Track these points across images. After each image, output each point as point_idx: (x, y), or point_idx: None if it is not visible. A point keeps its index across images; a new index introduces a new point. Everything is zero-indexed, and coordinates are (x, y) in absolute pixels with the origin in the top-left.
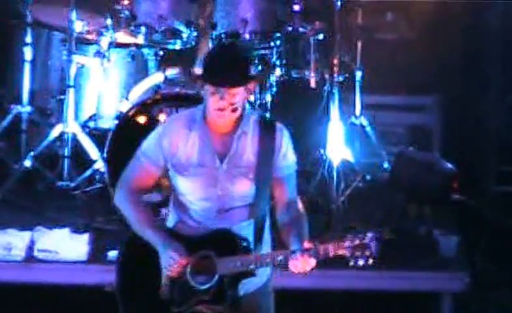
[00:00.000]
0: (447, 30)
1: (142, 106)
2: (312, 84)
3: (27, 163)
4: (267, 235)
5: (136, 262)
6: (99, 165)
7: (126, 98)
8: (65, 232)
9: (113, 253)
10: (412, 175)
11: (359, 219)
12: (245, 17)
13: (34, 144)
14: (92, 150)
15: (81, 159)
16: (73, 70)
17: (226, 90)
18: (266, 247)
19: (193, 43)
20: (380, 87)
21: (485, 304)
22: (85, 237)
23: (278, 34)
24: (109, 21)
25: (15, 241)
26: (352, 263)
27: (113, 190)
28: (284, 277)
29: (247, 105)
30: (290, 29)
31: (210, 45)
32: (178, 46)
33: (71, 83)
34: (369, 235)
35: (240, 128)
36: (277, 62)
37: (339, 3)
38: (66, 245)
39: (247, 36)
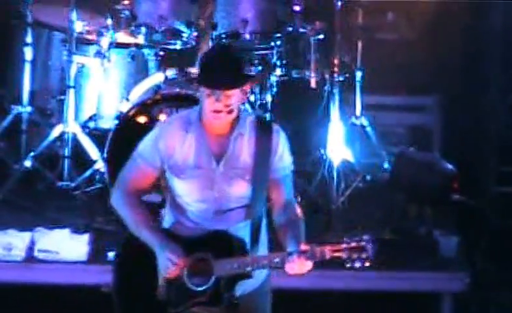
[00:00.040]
0: (448, 31)
1: (143, 106)
2: (313, 84)
3: (27, 163)
4: (264, 236)
5: (133, 263)
6: (100, 165)
7: (126, 99)
8: (65, 232)
9: (112, 254)
10: (412, 175)
11: (359, 219)
12: (246, 17)
13: (34, 144)
14: (92, 151)
15: (81, 159)
16: (73, 70)
17: (221, 92)
18: (263, 248)
19: (194, 43)
20: (380, 87)
21: (485, 304)
22: (85, 238)
23: (278, 35)
24: (109, 21)
25: (15, 241)
26: (348, 266)
27: None
28: (282, 277)
29: (247, 106)
30: (290, 29)
31: (211, 45)
32: (178, 46)
33: (72, 83)
34: (366, 237)
35: (237, 130)
36: (278, 63)
37: (339, 3)
38: (66, 245)
39: (247, 36)
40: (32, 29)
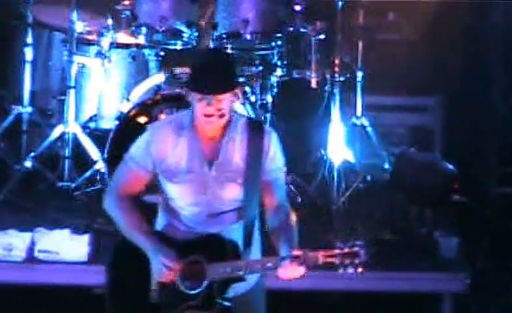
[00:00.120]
0: (449, 31)
1: (143, 107)
2: (314, 84)
3: (28, 164)
4: (257, 239)
5: (126, 265)
6: (100, 165)
7: (127, 99)
8: (65, 233)
9: None
10: (413, 176)
11: (359, 220)
12: (247, 17)
13: (34, 145)
14: (93, 151)
15: (81, 160)
16: (74, 71)
17: (213, 97)
18: (256, 251)
19: (194, 43)
20: (381, 87)
21: (486, 305)
22: (86, 238)
23: (279, 35)
24: (110, 22)
25: (15, 242)
26: (341, 271)
27: None
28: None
29: (247, 106)
30: (291, 29)
31: (212, 45)
32: (179, 47)
33: (72, 83)
34: (359, 243)
35: (228, 134)
36: (278, 63)
37: (340, 3)
38: (66, 246)
39: (248, 36)
40: (33, 29)
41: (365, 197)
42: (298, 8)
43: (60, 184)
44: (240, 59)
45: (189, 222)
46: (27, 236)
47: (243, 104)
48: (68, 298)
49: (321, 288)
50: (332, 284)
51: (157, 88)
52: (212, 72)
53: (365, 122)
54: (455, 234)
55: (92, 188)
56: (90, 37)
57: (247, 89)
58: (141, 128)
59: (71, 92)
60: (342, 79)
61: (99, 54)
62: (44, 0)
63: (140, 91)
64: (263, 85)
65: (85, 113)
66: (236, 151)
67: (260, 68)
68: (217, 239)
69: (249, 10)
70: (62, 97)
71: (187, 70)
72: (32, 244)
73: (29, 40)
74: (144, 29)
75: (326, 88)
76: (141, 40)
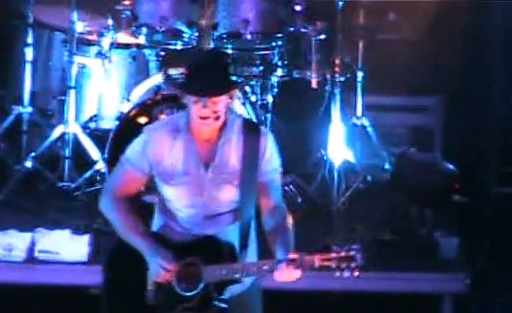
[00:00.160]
0: (449, 31)
1: (143, 107)
2: (314, 84)
3: (28, 164)
4: (253, 240)
5: (122, 267)
6: (100, 166)
7: (127, 99)
8: (66, 233)
9: None
10: (413, 176)
11: (360, 220)
12: (247, 17)
13: (35, 145)
14: (93, 151)
15: (81, 160)
16: (74, 71)
17: (208, 99)
18: (252, 252)
19: (195, 43)
20: (381, 87)
21: (486, 305)
22: (86, 238)
23: (280, 35)
24: (110, 22)
25: (16, 242)
26: (337, 275)
27: None
28: None
29: (247, 107)
30: (291, 29)
31: (212, 45)
32: (179, 47)
33: (73, 83)
34: (355, 246)
35: (224, 135)
36: (279, 63)
37: (340, 3)
38: (66, 246)
39: (248, 36)
40: (33, 29)
41: (365, 197)
42: (298, 8)
43: (60, 184)
44: (241, 59)
45: (186, 223)
46: (27, 236)
47: (244, 103)
48: (68, 299)
49: (321, 288)
50: (332, 284)
51: (158, 88)
52: (207, 74)
53: (366, 122)
54: (455, 234)
55: (93, 189)
56: (90, 37)
57: (248, 89)
58: (141, 129)
59: (72, 92)
60: (342, 79)
61: (100, 54)
62: (45, 0)
63: (140, 91)
64: (263, 85)
65: (85, 114)
66: (232, 153)
67: (261, 68)
68: (213, 241)
69: (249, 10)
70: (63, 97)
71: (182, 70)
72: (33, 244)
73: (29, 40)
74: (144, 29)
75: (327, 88)
76: (141, 40)
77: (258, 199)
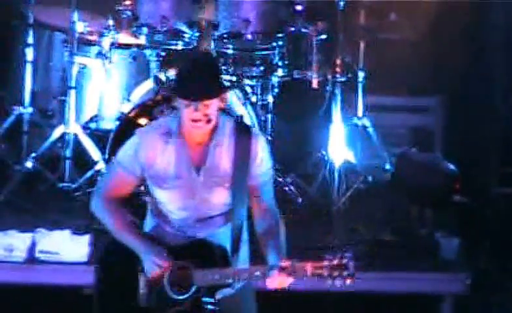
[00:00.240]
0: (450, 31)
1: (144, 107)
2: (315, 85)
3: (28, 164)
4: (245, 241)
5: (114, 269)
6: (101, 166)
7: (128, 99)
8: (66, 233)
9: None
10: (414, 177)
11: (360, 220)
12: (248, 17)
13: (35, 145)
14: (94, 152)
15: (82, 160)
16: (74, 71)
17: (200, 102)
18: (244, 254)
19: (195, 43)
20: (382, 87)
21: (486, 306)
22: (86, 239)
23: (280, 35)
24: (110, 22)
25: (16, 242)
26: (329, 283)
27: None
28: None
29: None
30: (292, 29)
31: (213, 45)
32: (180, 47)
33: (73, 84)
34: (348, 254)
35: (215, 138)
36: (280, 63)
37: (341, 4)
38: (67, 246)
39: (249, 36)
40: (34, 29)
41: (366, 197)
42: (299, 8)
43: (60, 184)
44: (241, 59)
45: (178, 225)
46: (27, 237)
47: (244, 104)
48: (69, 299)
49: (321, 288)
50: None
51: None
52: (198, 77)
53: (366, 122)
54: (455, 235)
55: (93, 189)
56: (90, 37)
57: (248, 89)
58: None
59: (72, 92)
60: (343, 79)
61: (100, 54)
62: (45, 0)
63: (141, 92)
64: (264, 85)
65: (86, 114)
66: (224, 156)
67: (261, 68)
68: (205, 245)
69: (250, 10)
70: (63, 97)
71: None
72: (33, 244)
73: (30, 40)
74: (145, 29)
75: (327, 88)
76: (142, 40)
77: (250, 201)
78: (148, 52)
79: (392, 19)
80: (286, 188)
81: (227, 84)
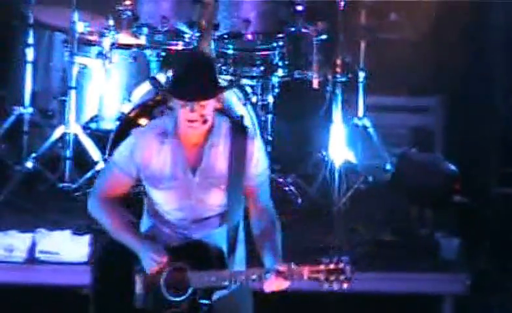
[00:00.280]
0: (450, 31)
1: (144, 107)
2: (315, 85)
3: (29, 164)
4: (241, 241)
5: (110, 270)
6: (101, 166)
7: (128, 100)
8: (66, 234)
9: None
10: (414, 177)
11: (360, 221)
12: (248, 17)
13: (35, 145)
14: (94, 152)
15: (82, 160)
16: (75, 71)
17: (196, 103)
18: (240, 254)
19: (196, 44)
20: (382, 87)
21: (487, 306)
22: (86, 239)
23: (281, 35)
24: (111, 22)
25: (16, 243)
26: (326, 287)
27: None
28: None
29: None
30: (292, 29)
31: (213, 46)
32: (180, 47)
33: (73, 84)
34: (344, 259)
35: (211, 139)
36: (280, 63)
37: (342, 3)
38: (67, 247)
39: (249, 36)
40: (34, 29)
41: (366, 198)
42: (299, 8)
43: (61, 185)
44: (241, 59)
45: (174, 226)
46: (27, 237)
47: (245, 104)
48: (69, 299)
49: (320, 289)
50: None
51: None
52: (194, 78)
53: (367, 123)
54: (456, 235)
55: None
56: (91, 38)
57: (249, 89)
58: None
59: (72, 92)
60: (343, 79)
61: (101, 55)
62: (45, 0)
63: (141, 92)
64: (264, 85)
65: (86, 114)
66: (219, 157)
67: (262, 68)
68: (201, 245)
69: (250, 10)
70: (63, 98)
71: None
72: (33, 245)
73: (30, 40)
74: (145, 29)
75: (328, 88)
76: (142, 40)
77: (247, 202)
78: (148, 52)
79: (392, 19)
80: (287, 189)
81: (224, 84)
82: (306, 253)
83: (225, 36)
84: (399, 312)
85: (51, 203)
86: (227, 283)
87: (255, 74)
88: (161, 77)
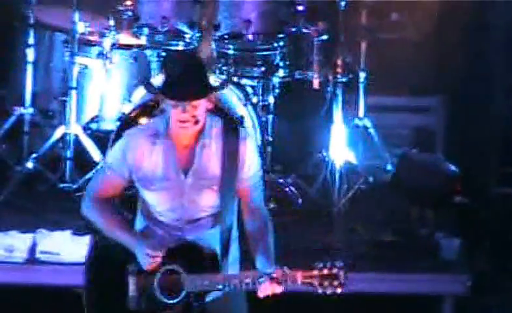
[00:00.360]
0: (452, 31)
1: (145, 108)
2: (316, 85)
3: (29, 165)
4: (235, 240)
5: (103, 272)
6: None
7: (129, 100)
8: (67, 234)
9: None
10: (415, 177)
11: (361, 221)
12: (249, 18)
13: (36, 146)
14: (94, 152)
15: (83, 161)
16: (75, 72)
17: (188, 103)
18: (234, 253)
19: (196, 44)
20: (383, 88)
21: (487, 307)
22: (87, 239)
23: (281, 35)
24: (111, 22)
25: (17, 243)
26: (320, 291)
27: None
28: None
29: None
30: (293, 29)
31: (213, 46)
32: (180, 47)
33: (74, 84)
34: (338, 264)
35: (202, 139)
36: (281, 64)
37: (342, 4)
38: (67, 247)
39: (250, 37)
40: (35, 30)
41: (367, 198)
42: (300, 8)
43: (61, 185)
44: (242, 59)
45: (167, 227)
46: (28, 237)
47: (245, 104)
48: (69, 300)
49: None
50: None
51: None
52: (186, 78)
53: (368, 123)
54: (456, 235)
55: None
56: (91, 38)
57: (249, 89)
58: None
59: (73, 93)
60: (344, 80)
61: (101, 55)
62: (46, 1)
63: (141, 92)
64: (265, 85)
65: (87, 114)
66: (212, 157)
67: (262, 68)
68: (195, 247)
69: (251, 11)
70: (64, 98)
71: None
72: (34, 245)
73: (31, 40)
74: (146, 30)
75: (328, 89)
76: (143, 40)
77: (240, 202)
78: (148, 52)
79: (393, 19)
80: (287, 189)
81: (215, 85)
82: (306, 254)
83: (226, 36)
84: (399, 312)
85: (51, 204)
86: (220, 286)
87: (255, 75)
88: (159, 79)
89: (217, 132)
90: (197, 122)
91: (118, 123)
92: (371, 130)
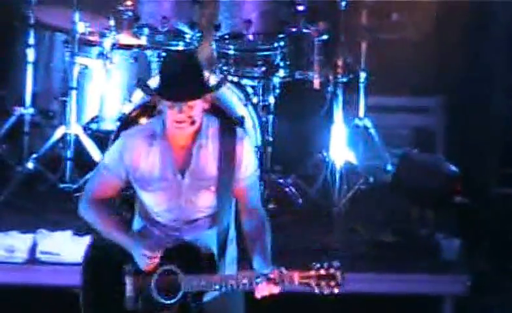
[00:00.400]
0: (451, 31)
1: (145, 108)
2: (316, 85)
3: (30, 165)
4: (232, 241)
5: (100, 272)
6: None
7: (129, 100)
8: (67, 234)
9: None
10: (415, 178)
11: (361, 221)
12: (249, 18)
13: (36, 146)
14: (95, 152)
15: (83, 161)
16: (75, 72)
17: (184, 103)
18: (231, 254)
19: (196, 44)
20: (383, 88)
21: (487, 307)
22: (87, 240)
23: (282, 35)
24: (111, 22)
25: (17, 243)
26: (317, 292)
27: None
28: None
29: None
30: (294, 29)
31: (214, 46)
32: (181, 47)
33: (74, 84)
34: (335, 264)
35: (198, 140)
36: (281, 64)
37: (343, 4)
38: (68, 247)
39: (250, 37)
40: (35, 30)
41: (367, 198)
42: (300, 8)
43: (61, 185)
44: (243, 59)
45: (165, 227)
46: (28, 237)
47: (246, 105)
48: (70, 300)
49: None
50: None
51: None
52: (182, 78)
53: (368, 123)
54: (456, 236)
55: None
56: (92, 38)
57: (250, 89)
58: None
59: (73, 93)
60: (344, 80)
61: (101, 55)
62: (46, 1)
63: (142, 93)
64: (265, 86)
65: (87, 115)
66: (209, 158)
67: (263, 68)
68: (192, 247)
69: (251, 11)
70: (64, 98)
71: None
72: (34, 245)
73: (31, 41)
74: (146, 30)
75: (329, 89)
76: (143, 41)
77: (237, 203)
78: (149, 53)
79: (394, 19)
80: (287, 189)
81: (212, 85)
82: (306, 254)
83: (226, 36)
84: (399, 312)
85: (51, 204)
86: (217, 287)
87: (256, 75)
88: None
89: (214, 132)
90: (193, 122)
91: (118, 123)
92: (371, 130)
